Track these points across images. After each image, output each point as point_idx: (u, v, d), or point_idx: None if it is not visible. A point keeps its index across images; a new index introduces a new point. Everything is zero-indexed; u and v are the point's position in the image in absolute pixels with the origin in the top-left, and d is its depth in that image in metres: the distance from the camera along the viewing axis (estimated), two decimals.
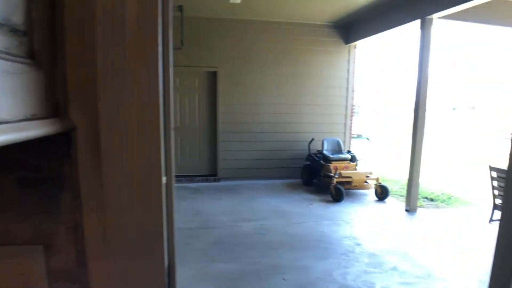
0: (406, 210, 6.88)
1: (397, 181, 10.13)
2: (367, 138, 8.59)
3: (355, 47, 9.56)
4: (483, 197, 8.53)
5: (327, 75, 9.44)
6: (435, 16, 6.47)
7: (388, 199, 7.70)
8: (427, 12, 6.49)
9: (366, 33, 8.48)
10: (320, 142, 8.74)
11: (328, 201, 7.43)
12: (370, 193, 8.10)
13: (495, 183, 6.14)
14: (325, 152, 8.43)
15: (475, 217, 6.73)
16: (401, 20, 7.22)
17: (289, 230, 5.76)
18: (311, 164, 8.60)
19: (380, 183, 7.73)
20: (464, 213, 7.05)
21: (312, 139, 8.78)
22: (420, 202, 7.57)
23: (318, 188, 8.28)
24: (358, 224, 6.13)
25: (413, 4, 6.84)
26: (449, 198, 8.36)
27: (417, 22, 6.72)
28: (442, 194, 8.77)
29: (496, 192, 6.16)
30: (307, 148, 8.86)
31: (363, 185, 7.80)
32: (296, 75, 9.21)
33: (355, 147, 10.37)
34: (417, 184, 6.89)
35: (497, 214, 6.29)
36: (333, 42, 9.37)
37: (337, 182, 7.55)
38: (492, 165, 6.18)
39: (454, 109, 32.75)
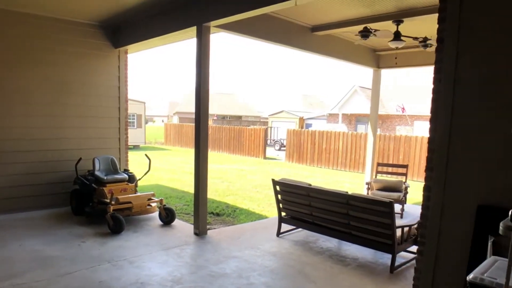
0: (196, 234, 6.25)
1: (180, 197, 9.55)
2: (146, 155, 7.63)
3: (126, 51, 8.51)
4: (266, 209, 8.77)
5: (96, 82, 8.10)
6: (212, 24, 6.07)
7: (175, 222, 6.95)
8: (203, 19, 6.04)
9: (138, 37, 7.55)
10: (91, 161, 7.35)
11: (106, 234, 6.18)
12: (154, 217, 7.20)
13: (280, 197, 6.13)
14: (97, 173, 7.10)
15: (265, 231, 6.62)
16: (177, 26, 6.59)
17: (55, 287, 4.34)
18: (81, 189, 7.12)
19: (164, 205, 6.91)
20: (253, 229, 6.88)
21: (80, 159, 7.26)
22: (208, 219, 7.11)
23: (92, 218, 6.90)
24: (144, 262, 5.14)
25: (189, 10, 6.29)
26: (234, 211, 8.23)
27: (194, 29, 6.21)
28: (227, 207, 8.61)
29: (281, 205, 6.16)
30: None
31: (145, 210, 6.85)
32: (59, 81, 7.56)
33: (133, 164, 9.30)
34: (205, 203, 6.38)
35: (284, 227, 6.31)
36: (100, 44, 8.09)
37: (114, 209, 6.38)
38: (276, 179, 6.15)
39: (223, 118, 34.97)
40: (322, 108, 54.38)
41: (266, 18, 6.79)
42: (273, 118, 38.44)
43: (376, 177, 8.76)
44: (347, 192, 5.22)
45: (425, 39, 6.79)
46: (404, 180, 8.33)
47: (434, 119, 3.51)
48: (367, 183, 8.23)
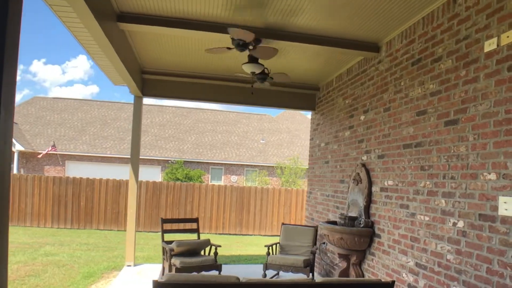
0: None
1: None
2: None
3: None
4: None
5: None
6: None
7: None
8: None
9: None
10: None
11: None
12: None
13: None
14: None
15: None
16: None
17: None
18: None
19: None
20: None
21: None
22: None
23: None
24: None
25: None
26: None
27: None
28: None
29: None
30: None
31: None
32: None
33: None
34: None
35: None
36: None
37: None
38: (160, 280, 3.17)
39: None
40: None
41: None
42: None
43: (163, 237, 6.47)
44: (313, 280, 3.22)
45: (266, 72, 5.48)
46: (197, 237, 6.56)
47: None
48: (170, 249, 5.87)
